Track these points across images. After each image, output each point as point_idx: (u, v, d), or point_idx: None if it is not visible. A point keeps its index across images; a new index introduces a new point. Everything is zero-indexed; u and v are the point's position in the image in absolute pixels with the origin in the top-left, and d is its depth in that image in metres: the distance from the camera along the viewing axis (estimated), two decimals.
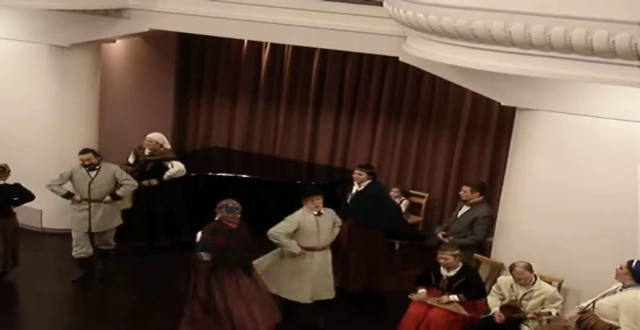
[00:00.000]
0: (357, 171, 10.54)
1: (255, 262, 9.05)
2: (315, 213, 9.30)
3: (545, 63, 7.79)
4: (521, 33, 7.46)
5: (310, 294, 9.32)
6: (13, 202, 10.23)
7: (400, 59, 10.16)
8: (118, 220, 10.63)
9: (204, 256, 8.44)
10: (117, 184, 10.37)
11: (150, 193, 11.42)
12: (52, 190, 10.25)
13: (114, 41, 12.31)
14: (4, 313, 9.53)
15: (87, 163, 10.17)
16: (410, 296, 9.12)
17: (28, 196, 10.26)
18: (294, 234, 9.17)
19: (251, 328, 8.54)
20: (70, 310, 10.05)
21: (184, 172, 11.63)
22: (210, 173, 12.54)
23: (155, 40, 13.31)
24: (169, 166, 11.50)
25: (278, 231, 9.09)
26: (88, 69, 11.95)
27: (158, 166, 11.47)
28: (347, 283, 10.37)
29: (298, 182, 12.46)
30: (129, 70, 13.30)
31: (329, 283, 9.50)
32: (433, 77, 11.76)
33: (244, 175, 12.53)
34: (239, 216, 8.74)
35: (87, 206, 10.21)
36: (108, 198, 10.27)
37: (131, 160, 11.60)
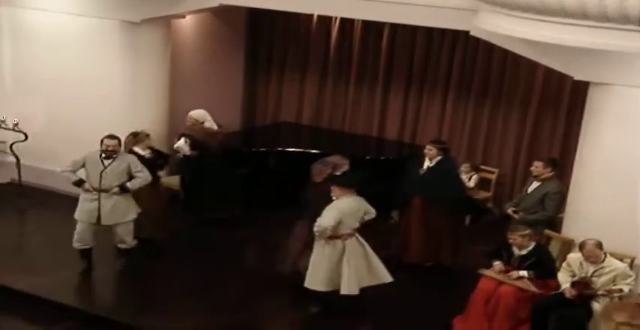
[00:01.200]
0: (428, 146, 10.47)
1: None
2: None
3: (620, 36, 7.66)
4: (595, 5, 7.32)
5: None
6: (158, 166, 10.67)
7: (471, 34, 10.06)
8: (132, 215, 9.98)
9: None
10: (130, 177, 9.82)
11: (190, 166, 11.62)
12: (65, 176, 9.90)
13: (184, 17, 12.40)
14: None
15: (110, 148, 9.68)
16: (480, 271, 9.09)
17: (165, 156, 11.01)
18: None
19: None
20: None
21: (184, 151, 11.41)
22: (279, 148, 12.60)
23: (224, 15, 13.38)
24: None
25: (328, 223, 8.78)
26: (159, 45, 12.06)
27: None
28: (410, 256, 10.40)
29: (367, 157, 12.47)
30: (198, 45, 13.39)
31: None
32: (504, 52, 11.61)
33: (313, 150, 12.56)
34: None
35: (96, 196, 9.72)
36: (116, 189, 9.69)
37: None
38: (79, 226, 9.88)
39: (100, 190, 9.69)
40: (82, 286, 9.68)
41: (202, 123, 11.55)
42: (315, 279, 9.04)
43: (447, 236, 10.52)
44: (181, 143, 11.41)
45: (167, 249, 10.70)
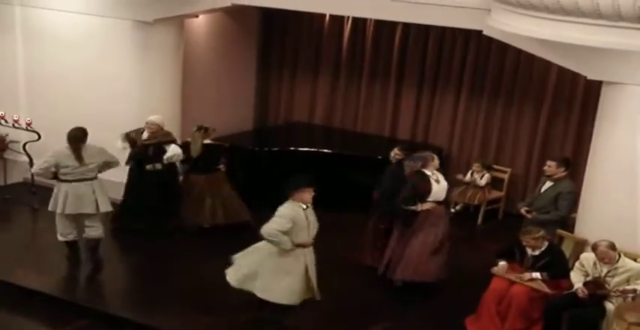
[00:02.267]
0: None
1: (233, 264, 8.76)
2: (304, 207, 8.48)
3: (634, 35, 7.62)
4: (609, 4, 7.29)
5: (300, 294, 8.63)
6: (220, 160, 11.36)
7: (484, 33, 10.05)
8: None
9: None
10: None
11: (152, 178, 11.11)
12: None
13: (197, 16, 12.43)
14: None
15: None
16: (492, 271, 9.07)
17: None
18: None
19: None
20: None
21: (181, 156, 11.11)
22: (291, 148, 12.61)
23: (237, 14, 13.40)
24: (167, 149, 11.04)
25: (276, 228, 8.28)
26: (172, 44, 12.08)
27: (160, 150, 11.04)
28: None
29: (379, 157, 12.45)
30: (211, 45, 13.41)
31: (314, 282, 8.71)
32: (517, 51, 11.61)
33: (326, 150, 12.57)
34: None
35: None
36: None
37: (121, 145, 11.11)
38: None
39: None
40: (94, 285, 9.69)
41: (162, 128, 11.13)
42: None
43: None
44: (178, 150, 11.11)
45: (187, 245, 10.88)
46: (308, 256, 8.58)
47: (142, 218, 11.04)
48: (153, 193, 11.06)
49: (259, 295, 8.57)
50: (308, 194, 8.44)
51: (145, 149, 11.02)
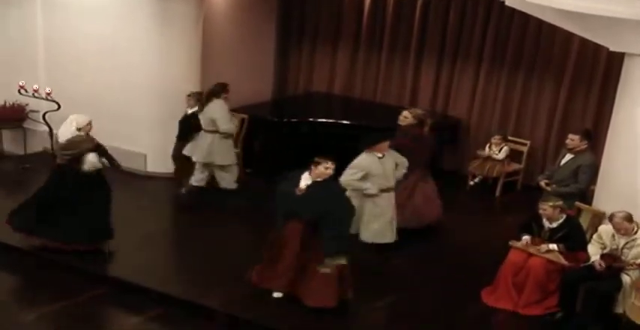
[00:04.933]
0: None
1: None
2: (380, 156, 9.45)
3: None
4: None
5: (393, 234, 9.67)
6: None
7: (506, 3, 9.93)
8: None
9: None
10: None
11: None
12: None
13: None
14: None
15: None
16: (510, 243, 9.06)
17: None
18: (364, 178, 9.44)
19: None
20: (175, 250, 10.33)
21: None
22: (310, 119, 12.59)
23: None
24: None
25: (350, 178, 9.29)
26: (191, 15, 12.01)
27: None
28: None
29: None
30: (230, 15, 13.35)
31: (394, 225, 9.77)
32: (539, 23, 11.51)
33: (345, 121, 12.54)
34: None
35: None
36: None
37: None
38: None
39: None
40: (112, 254, 9.74)
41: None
42: None
43: None
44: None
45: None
46: (391, 201, 9.61)
47: None
48: None
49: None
50: (384, 146, 9.39)
51: None
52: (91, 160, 9.49)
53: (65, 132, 9.59)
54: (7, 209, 9.82)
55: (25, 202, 9.79)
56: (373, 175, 9.46)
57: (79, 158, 9.49)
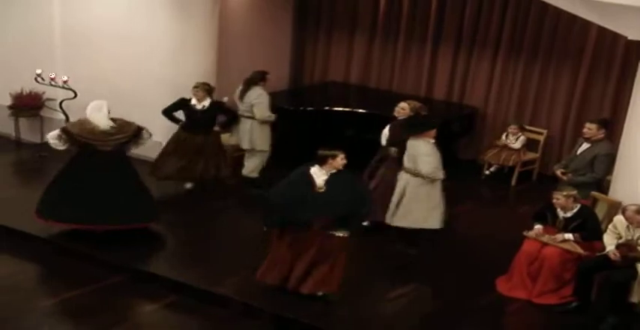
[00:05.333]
0: None
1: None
2: (432, 141, 9.63)
3: None
4: None
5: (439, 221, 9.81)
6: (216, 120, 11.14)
7: None
8: None
9: None
10: None
11: None
12: None
13: None
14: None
15: None
16: (524, 233, 9.04)
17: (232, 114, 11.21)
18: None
19: None
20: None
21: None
22: (326, 108, 12.58)
23: None
24: None
25: (433, 167, 9.53)
26: (207, 4, 11.92)
27: None
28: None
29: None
30: (247, 5, 13.34)
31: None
32: (557, 12, 11.45)
33: (361, 110, 12.52)
34: None
35: None
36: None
37: None
38: None
39: None
40: (128, 243, 9.79)
41: None
42: None
43: None
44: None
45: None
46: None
47: None
48: None
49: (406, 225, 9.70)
50: (434, 132, 9.63)
51: None
52: (146, 136, 9.88)
53: (102, 119, 9.62)
54: (25, 197, 9.87)
55: (53, 191, 9.79)
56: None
57: (129, 140, 9.73)
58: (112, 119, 9.68)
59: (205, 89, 11.05)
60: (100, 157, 9.63)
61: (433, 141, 9.66)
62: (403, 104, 10.40)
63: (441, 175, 9.61)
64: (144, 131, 9.86)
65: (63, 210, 9.57)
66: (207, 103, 11.06)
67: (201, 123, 11.09)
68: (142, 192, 9.92)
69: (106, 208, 9.51)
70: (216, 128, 11.31)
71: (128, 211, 9.65)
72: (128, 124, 9.78)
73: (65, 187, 9.69)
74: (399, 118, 10.28)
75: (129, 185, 9.77)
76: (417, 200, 9.63)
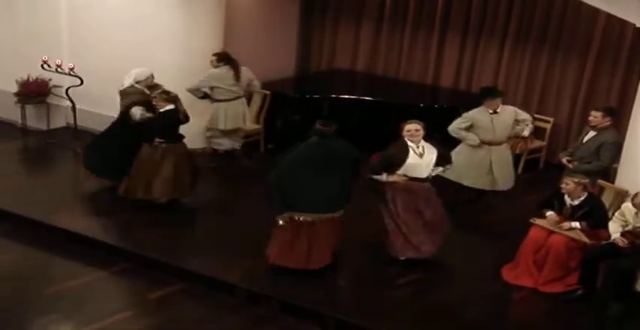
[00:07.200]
0: None
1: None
2: (491, 111, 10.21)
3: None
4: None
5: (490, 183, 10.45)
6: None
7: None
8: None
9: None
10: None
11: None
12: None
13: None
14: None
15: None
16: (531, 221, 9.03)
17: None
18: (470, 129, 10.25)
19: None
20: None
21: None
22: (333, 95, 12.56)
23: None
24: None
25: (456, 126, 10.23)
26: None
27: None
28: None
29: (421, 105, 12.40)
30: None
31: (506, 175, 10.59)
32: None
33: (367, 97, 12.51)
34: None
35: None
36: None
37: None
38: None
39: None
40: (137, 229, 9.82)
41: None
42: None
43: None
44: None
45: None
46: (494, 154, 10.34)
47: None
48: None
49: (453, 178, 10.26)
50: (495, 104, 10.24)
51: None
52: (133, 111, 10.15)
53: (125, 83, 10.42)
54: (33, 184, 9.89)
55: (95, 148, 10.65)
56: (478, 127, 10.24)
57: (128, 109, 10.20)
58: (133, 87, 10.34)
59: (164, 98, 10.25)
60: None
61: (491, 111, 10.27)
62: None
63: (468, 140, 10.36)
64: (134, 108, 10.15)
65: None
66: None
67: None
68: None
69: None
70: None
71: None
72: (135, 94, 10.29)
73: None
74: None
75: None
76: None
